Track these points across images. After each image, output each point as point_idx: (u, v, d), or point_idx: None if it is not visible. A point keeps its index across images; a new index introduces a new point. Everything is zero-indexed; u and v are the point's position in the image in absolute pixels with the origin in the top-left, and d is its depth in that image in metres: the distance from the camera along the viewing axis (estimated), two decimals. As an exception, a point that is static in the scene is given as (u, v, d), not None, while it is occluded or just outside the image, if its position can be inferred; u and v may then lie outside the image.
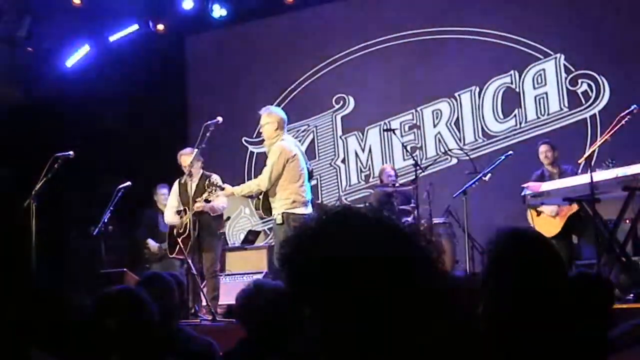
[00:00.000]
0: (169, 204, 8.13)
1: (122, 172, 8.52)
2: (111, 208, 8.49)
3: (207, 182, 7.47)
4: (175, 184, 8.10)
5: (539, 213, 8.27)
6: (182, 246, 7.60)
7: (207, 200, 7.54)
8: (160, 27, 11.32)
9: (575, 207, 7.82)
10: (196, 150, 7.48)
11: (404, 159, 10.47)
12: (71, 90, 10.72)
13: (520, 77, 10.08)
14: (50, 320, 2.70)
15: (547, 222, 7.98)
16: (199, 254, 7.76)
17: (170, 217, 8.03)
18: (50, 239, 7.98)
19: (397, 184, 9.00)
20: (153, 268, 8.89)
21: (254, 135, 11.61)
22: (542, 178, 8.06)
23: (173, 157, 8.16)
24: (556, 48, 9.88)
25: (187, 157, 7.88)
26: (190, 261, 7.46)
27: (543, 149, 8.40)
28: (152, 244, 9.61)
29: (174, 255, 7.88)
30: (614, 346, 2.58)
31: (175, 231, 7.85)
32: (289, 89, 11.43)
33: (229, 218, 11.33)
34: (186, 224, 7.67)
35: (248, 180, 11.54)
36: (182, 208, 7.88)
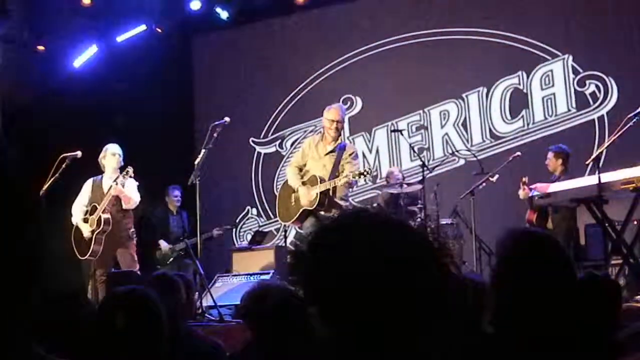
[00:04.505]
0: (78, 202, 8.01)
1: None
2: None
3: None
4: (89, 182, 8.07)
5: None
6: (94, 247, 7.62)
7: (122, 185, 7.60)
8: (159, 30, 11.34)
9: None
10: (204, 150, 7.48)
11: (411, 160, 10.47)
12: (78, 91, 10.74)
13: (527, 78, 10.06)
14: (60, 319, 2.71)
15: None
16: (112, 253, 7.77)
17: (78, 217, 7.93)
18: (57, 239, 7.99)
19: (404, 186, 8.99)
20: (165, 269, 8.88)
21: (261, 136, 11.63)
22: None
23: (180, 157, 8.16)
24: (564, 49, 9.86)
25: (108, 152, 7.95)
26: (197, 261, 7.47)
27: (548, 155, 8.36)
28: (163, 244, 9.64)
29: (87, 257, 7.73)
30: (622, 348, 2.58)
31: (84, 235, 7.78)
32: (296, 89, 11.43)
33: (235, 220, 11.36)
34: (97, 220, 7.65)
35: (255, 181, 11.59)
36: (90, 207, 7.82)
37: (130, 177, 7.63)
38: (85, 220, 7.80)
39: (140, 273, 8.08)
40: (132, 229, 7.93)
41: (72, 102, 10.55)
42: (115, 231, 7.75)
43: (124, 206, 7.82)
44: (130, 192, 7.81)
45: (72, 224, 7.96)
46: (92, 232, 7.71)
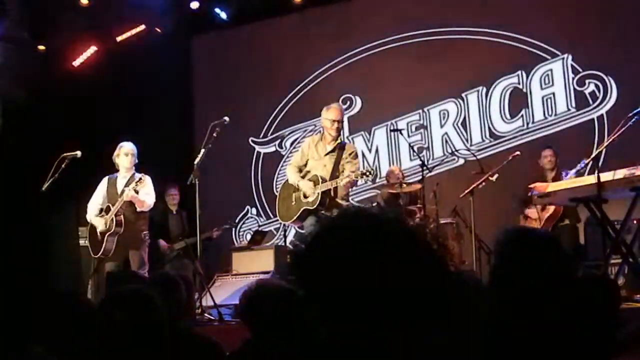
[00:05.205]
0: (94, 200, 7.91)
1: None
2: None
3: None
4: (104, 180, 7.96)
5: (526, 217, 8.44)
6: (106, 245, 7.54)
7: (135, 191, 7.50)
8: (158, 29, 11.35)
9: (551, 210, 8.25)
10: (203, 150, 7.47)
11: (411, 160, 10.47)
12: (78, 91, 10.74)
13: (527, 77, 10.06)
14: (60, 319, 2.72)
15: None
16: (124, 254, 7.68)
17: (92, 214, 7.85)
18: (56, 238, 7.99)
19: (403, 185, 8.99)
20: (164, 269, 8.87)
21: (261, 136, 11.63)
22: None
23: (180, 157, 8.14)
24: (564, 48, 9.86)
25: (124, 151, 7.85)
26: (197, 262, 7.47)
27: (547, 152, 8.55)
28: (161, 244, 9.63)
29: (99, 255, 7.65)
30: (620, 347, 2.58)
31: (98, 230, 7.69)
32: (296, 89, 11.43)
33: (235, 221, 11.36)
34: (110, 221, 7.57)
35: (254, 181, 11.59)
36: (105, 206, 7.73)
37: (143, 180, 7.58)
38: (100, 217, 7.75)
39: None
40: (146, 231, 7.82)
41: (71, 101, 10.54)
42: (129, 232, 7.64)
43: (138, 209, 7.73)
44: (144, 196, 7.71)
45: (88, 221, 7.92)
46: (105, 232, 7.63)
